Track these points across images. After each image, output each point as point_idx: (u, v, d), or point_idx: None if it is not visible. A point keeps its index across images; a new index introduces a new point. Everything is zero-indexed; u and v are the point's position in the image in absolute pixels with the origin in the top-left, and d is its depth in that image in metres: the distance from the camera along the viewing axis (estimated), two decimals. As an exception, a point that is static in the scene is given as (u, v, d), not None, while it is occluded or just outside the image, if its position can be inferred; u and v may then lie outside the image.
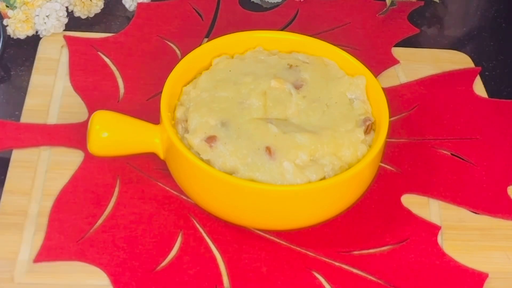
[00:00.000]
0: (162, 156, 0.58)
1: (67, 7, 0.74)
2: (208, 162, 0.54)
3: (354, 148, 0.56)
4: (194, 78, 0.61)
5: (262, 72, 0.60)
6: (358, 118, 0.59)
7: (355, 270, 0.55)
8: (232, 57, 0.63)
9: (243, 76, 0.60)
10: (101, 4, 0.77)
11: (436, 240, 0.58)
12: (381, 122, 0.58)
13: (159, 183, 0.59)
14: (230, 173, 0.54)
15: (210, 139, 0.55)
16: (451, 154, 0.66)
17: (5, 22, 0.71)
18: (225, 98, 0.58)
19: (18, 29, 0.71)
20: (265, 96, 0.58)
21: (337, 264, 0.55)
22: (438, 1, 0.84)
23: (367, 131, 0.58)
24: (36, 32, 0.72)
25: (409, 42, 0.78)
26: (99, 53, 0.71)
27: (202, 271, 0.54)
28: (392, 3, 0.80)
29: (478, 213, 0.61)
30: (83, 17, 0.76)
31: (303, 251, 0.56)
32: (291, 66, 0.62)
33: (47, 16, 0.71)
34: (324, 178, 0.54)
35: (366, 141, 0.57)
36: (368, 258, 0.56)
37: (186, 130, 0.57)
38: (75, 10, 0.76)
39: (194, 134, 0.56)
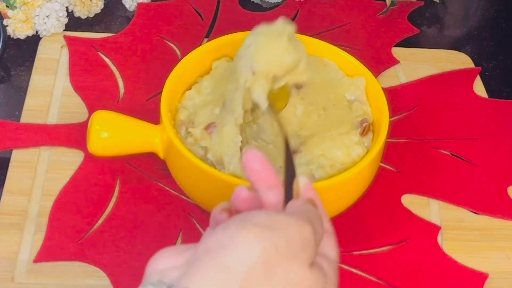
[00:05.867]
0: (162, 156, 0.58)
1: (67, 7, 0.74)
2: (205, 149, 0.55)
3: (347, 150, 0.56)
4: (195, 80, 0.61)
5: None
6: (355, 120, 0.59)
7: (355, 270, 0.55)
8: (232, 59, 0.63)
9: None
10: (101, 4, 0.77)
11: (436, 240, 0.58)
12: (381, 123, 0.58)
13: (159, 183, 0.59)
14: (223, 161, 0.54)
15: (209, 126, 0.55)
16: (451, 154, 0.66)
17: (5, 22, 0.71)
18: (228, 89, 0.58)
19: (18, 29, 0.71)
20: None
21: (337, 264, 0.55)
22: (438, 1, 0.84)
23: (363, 132, 0.58)
24: (36, 32, 0.72)
25: (409, 42, 0.78)
26: (99, 53, 0.71)
27: (202, 271, 0.54)
28: (392, 3, 0.80)
29: (478, 213, 0.61)
30: (83, 17, 0.76)
31: (303, 251, 0.56)
32: None
33: (47, 16, 0.71)
34: (314, 179, 0.54)
35: (362, 142, 0.57)
36: (368, 258, 0.56)
37: (190, 134, 0.57)
38: (75, 10, 0.76)
39: (198, 126, 0.56)
